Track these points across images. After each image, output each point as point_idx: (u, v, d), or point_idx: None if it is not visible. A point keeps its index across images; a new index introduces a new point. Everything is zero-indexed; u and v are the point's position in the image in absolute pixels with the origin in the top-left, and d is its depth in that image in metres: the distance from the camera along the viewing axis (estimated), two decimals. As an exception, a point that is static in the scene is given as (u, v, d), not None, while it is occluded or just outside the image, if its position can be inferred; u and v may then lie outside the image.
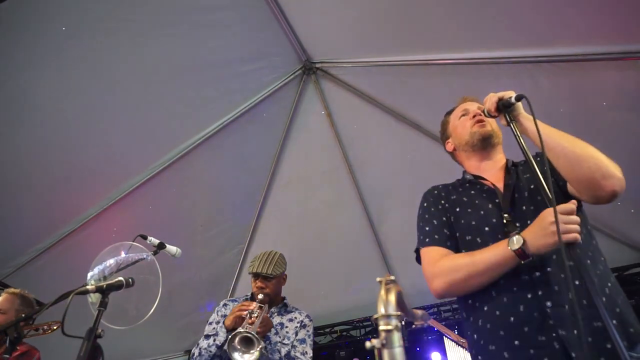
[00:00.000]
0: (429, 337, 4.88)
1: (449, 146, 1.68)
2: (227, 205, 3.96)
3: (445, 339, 4.21)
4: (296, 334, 2.16)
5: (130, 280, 1.36)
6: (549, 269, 1.17)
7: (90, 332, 1.18)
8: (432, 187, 1.60)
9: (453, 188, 1.53)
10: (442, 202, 1.49)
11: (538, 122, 1.19)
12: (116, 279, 1.34)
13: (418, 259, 1.49)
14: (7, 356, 1.26)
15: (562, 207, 1.08)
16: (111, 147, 2.97)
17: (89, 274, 1.41)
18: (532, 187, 1.33)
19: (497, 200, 1.35)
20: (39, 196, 2.94)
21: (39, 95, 2.48)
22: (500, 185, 1.41)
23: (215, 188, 3.78)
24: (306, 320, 2.24)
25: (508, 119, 1.27)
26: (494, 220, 1.31)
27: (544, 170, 1.10)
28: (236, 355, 1.77)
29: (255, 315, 1.97)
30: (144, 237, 1.93)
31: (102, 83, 2.62)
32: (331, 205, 4.11)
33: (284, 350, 2.00)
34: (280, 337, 2.11)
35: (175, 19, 2.55)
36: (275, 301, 2.28)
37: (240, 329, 1.82)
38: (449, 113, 1.73)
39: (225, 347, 1.85)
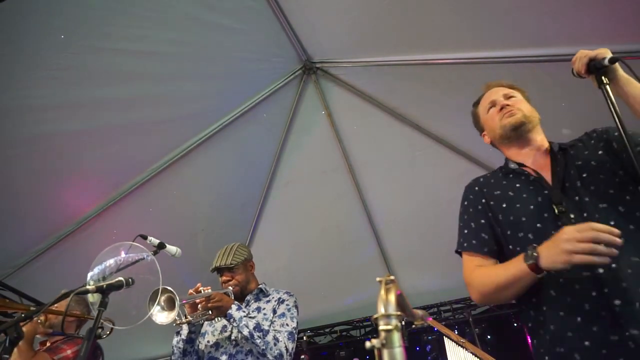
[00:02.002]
0: (429, 337, 4.88)
1: (486, 139, 1.59)
2: (228, 206, 3.96)
3: (445, 339, 4.21)
4: (274, 311, 2.05)
5: (130, 280, 1.36)
6: (613, 265, 1.08)
7: (90, 332, 1.18)
8: (473, 181, 1.51)
9: (496, 181, 1.43)
10: (484, 200, 1.40)
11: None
12: (116, 279, 1.34)
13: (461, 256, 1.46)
14: (7, 356, 1.26)
15: (580, 226, 1.02)
16: (111, 147, 2.97)
17: (89, 274, 1.41)
18: (584, 175, 1.24)
19: (546, 192, 1.26)
20: (40, 197, 2.94)
21: (38, 95, 2.48)
22: (546, 173, 1.31)
23: (215, 188, 3.78)
24: (284, 296, 2.14)
25: (599, 81, 1.15)
26: (546, 215, 1.22)
27: (591, 152, 1.02)
28: (155, 310, 1.68)
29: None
30: (144, 237, 1.92)
31: (101, 83, 2.62)
32: (331, 205, 4.10)
33: (252, 324, 1.88)
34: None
35: (175, 19, 2.54)
36: (249, 289, 2.18)
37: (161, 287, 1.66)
38: (477, 104, 1.63)
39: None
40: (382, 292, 0.68)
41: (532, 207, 1.27)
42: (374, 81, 3.28)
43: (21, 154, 2.68)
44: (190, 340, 1.98)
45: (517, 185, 1.35)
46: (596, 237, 0.99)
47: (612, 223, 1.09)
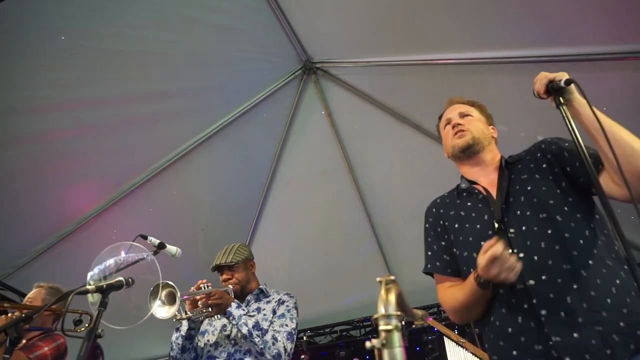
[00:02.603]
0: (429, 337, 4.88)
1: (446, 154, 1.63)
2: (228, 206, 3.96)
3: (445, 339, 4.21)
4: (274, 312, 2.05)
5: (130, 280, 1.36)
6: (543, 277, 1.14)
7: (90, 332, 1.18)
8: (432, 203, 1.58)
9: (451, 200, 1.50)
10: (441, 221, 1.47)
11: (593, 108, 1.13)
12: (116, 279, 1.33)
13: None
14: (7, 356, 1.26)
15: (486, 245, 1.10)
16: (111, 147, 2.97)
17: (89, 274, 1.41)
18: (528, 188, 1.29)
19: (491, 209, 1.31)
20: (40, 197, 2.94)
21: (39, 95, 2.48)
22: (493, 189, 1.36)
23: (215, 188, 3.78)
24: (285, 297, 2.13)
25: (557, 102, 1.20)
26: (490, 233, 1.27)
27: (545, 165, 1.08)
28: (156, 305, 1.68)
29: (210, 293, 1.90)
30: (144, 237, 1.92)
31: (102, 84, 2.62)
32: (331, 205, 4.11)
33: (251, 322, 1.87)
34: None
35: (175, 20, 2.55)
36: (249, 289, 2.18)
37: (162, 281, 1.69)
38: (440, 118, 1.69)
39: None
40: (382, 292, 0.68)
41: (478, 226, 1.33)
42: (374, 81, 3.28)
43: (21, 153, 2.68)
44: (190, 337, 1.98)
45: (469, 204, 1.41)
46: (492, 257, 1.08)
47: (549, 232, 1.17)
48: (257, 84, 3.26)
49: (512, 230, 1.24)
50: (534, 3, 2.38)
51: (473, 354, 3.41)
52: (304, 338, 5.02)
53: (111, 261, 1.47)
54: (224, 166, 3.67)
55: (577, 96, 1.21)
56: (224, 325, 2.07)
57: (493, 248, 1.07)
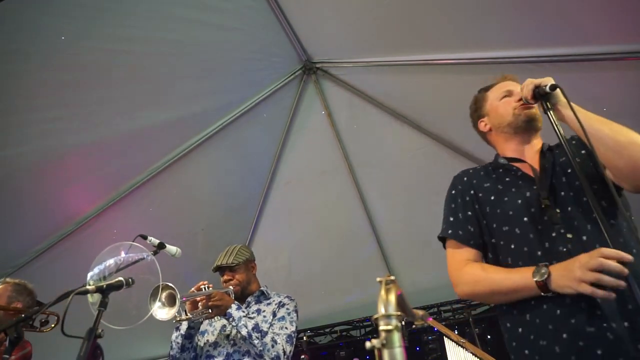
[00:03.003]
0: (429, 337, 4.88)
1: (483, 125, 1.56)
2: (228, 206, 3.96)
3: (445, 339, 4.21)
4: (274, 314, 2.06)
5: (130, 280, 1.36)
6: None
7: (90, 332, 1.18)
8: (462, 172, 1.52)
9: (486, 174, 1.44)
10: (472, 191, 1.41)
11: (577, 108, 1.17)
12: (116, 279, 1.33)
13: (444, 244, 1.46)
14: (7, 356, 1.26)
15: (591, 253, 1.03)
16: (111, 147, 2.97)
17: (89, 274, 1.41)
18: (569, 171, 1.28)
19: (534, 187, 1.29)
20: (40, 197, 2.94)
21: (39, 95, 2.48)
22: (535, 169, 1.34)
23: (215, 188, 3.78)
24: (285, 300, 2.14)
25: (545, 107, 1.23)
26: (533, 210, 1.25)
27: (576, 155, 1.07)
28: (156, 306, 1.69)
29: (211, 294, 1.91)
30: (144, 237, 1.93)
31: (102, 84, 2.62)
32: (331, 205, 4.11)
33: (250, 324, 1.88)
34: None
35: (175, 20, 2.54)
36: (250, 290, 2.19)
37: (162, 283, 1.70)
38: (486, 89, 1.61)
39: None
40: (382, 292, 0.68)
41: (519, 201, 1.29)
42: (374, 81, 3.28)
43: (21, 153, 2.68)
44: (189, 336, 1.99)
45: (507, 179, 1.37)
46: (601, 265, 1.00)
47: (593, 215, 1.12)
48: (257, 84, 3.26)
49: (558, 210, 1.22)
50: (533, 3, 2.38)
51: (473, 354, 3.41)
52: (304, 338, 5.02)
53: (111, 261, 1.47)
54: (224, 166, 3.67)
55: (562, 100, 1.24)
56: (224, 326, 2.07)
57: (619, 253, 0.99)
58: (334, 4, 2.75)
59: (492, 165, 1.47)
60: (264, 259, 4.09)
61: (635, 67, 2.39)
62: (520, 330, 1.23)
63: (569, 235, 1.17)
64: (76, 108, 2.65)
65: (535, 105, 1.42)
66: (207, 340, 2.05)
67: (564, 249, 1.17)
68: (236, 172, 3.80)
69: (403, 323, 0.66)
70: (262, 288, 2.22)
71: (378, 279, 0.71)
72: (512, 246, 1.27)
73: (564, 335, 1.11)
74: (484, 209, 1.37)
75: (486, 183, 1.41)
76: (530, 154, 1.41)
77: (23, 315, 1.29)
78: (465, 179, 1.47)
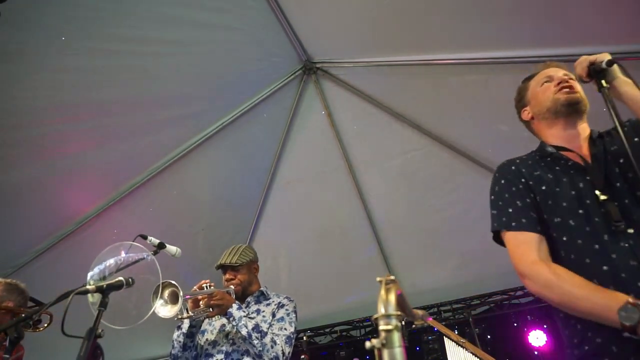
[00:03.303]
0: (429, 337, 4.88)
1: (526, 114, 1.50)
2: (228, 206, 3.96)
3: (445, 339, 4.21)
4: (274, 314, 2.07)
5: (130, 280, 1.36)
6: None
7: (91, 332, 1.18)
8: (507, 162, 1.42)
9: (533, 162, 1.36)
10: (524, 179, 1.32)
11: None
12: (116, 279, 1.34)
13: (496, 239, 1.36)
14: (8, 356, 1.26)
15: None
16: (111, 147, 2.97)
17: (89, 274, 1.41)
18: (621, 161, 1.20)
19: (587, 178, 1.22)
20: (40, 197, 2.94)
21: (39, 95, 2.48)
22: (585, 158, 1.27)
23: (215, 188, 3.79)
24: (285, 301, 2.16)
25: (599, 85, 1.15)
26: (588, 202, 1.18)
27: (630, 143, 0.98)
28: (159, 304, 1.70)
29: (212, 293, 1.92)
30: (144, 237, 1.93)
31: (102, 84, 2.62)
32: (331, 205, 4.11)
33: (250, 324, 1.89)
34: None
35: (175, 20, 2.54)
36: (250, 291, 2.20)
37: (164, 280, 1.72)
38: (529, 79, 1.54)
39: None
40: (382, 292, 0.68)
41: (573, 192, 1.22)
42: (374, 81, 3.28)
43: (21, 153, 2.68)
44: (191, 335, 2.00)
45: (557, 168, 1.30)
46: None
47: None
48: (257, 84, 3.26)
49: (615, 204, 1.14)
50: (533, 3, 2.38)
51: (473, 354, 3.41)
52: (304, 338, 5.02)
53: (111, 261, 1.48)
54: (224, 166, 3.67)
55: (619, 76, 1.16)
56: (223, 325, 2.08)
57: None
58: (334, 4, 2.74)
59: (538, 153, 1.38)
60: (264, 259, 4.07)
61: (635, 67, 2.39)
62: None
63: (630, 231, 1.11)
64: (76, 108, 2.65)
65: (579, 89, 1.35)
66: (207, 339, 2.06)
67: (626, 245, 1.11)
68: (236, 172, 3.80)
69: (403, 323, 0.66)
70: (262, 288, 2.23)
71: (378, 279, 0.71)
72: (565, 238, 1.20)
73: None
74: (535, 199, 1.29)
75: (536, 171, 1.32)
76: (577, 141, 1.33)
77: (24, 315, 1.29)
78: (512, 167, 1.38)
